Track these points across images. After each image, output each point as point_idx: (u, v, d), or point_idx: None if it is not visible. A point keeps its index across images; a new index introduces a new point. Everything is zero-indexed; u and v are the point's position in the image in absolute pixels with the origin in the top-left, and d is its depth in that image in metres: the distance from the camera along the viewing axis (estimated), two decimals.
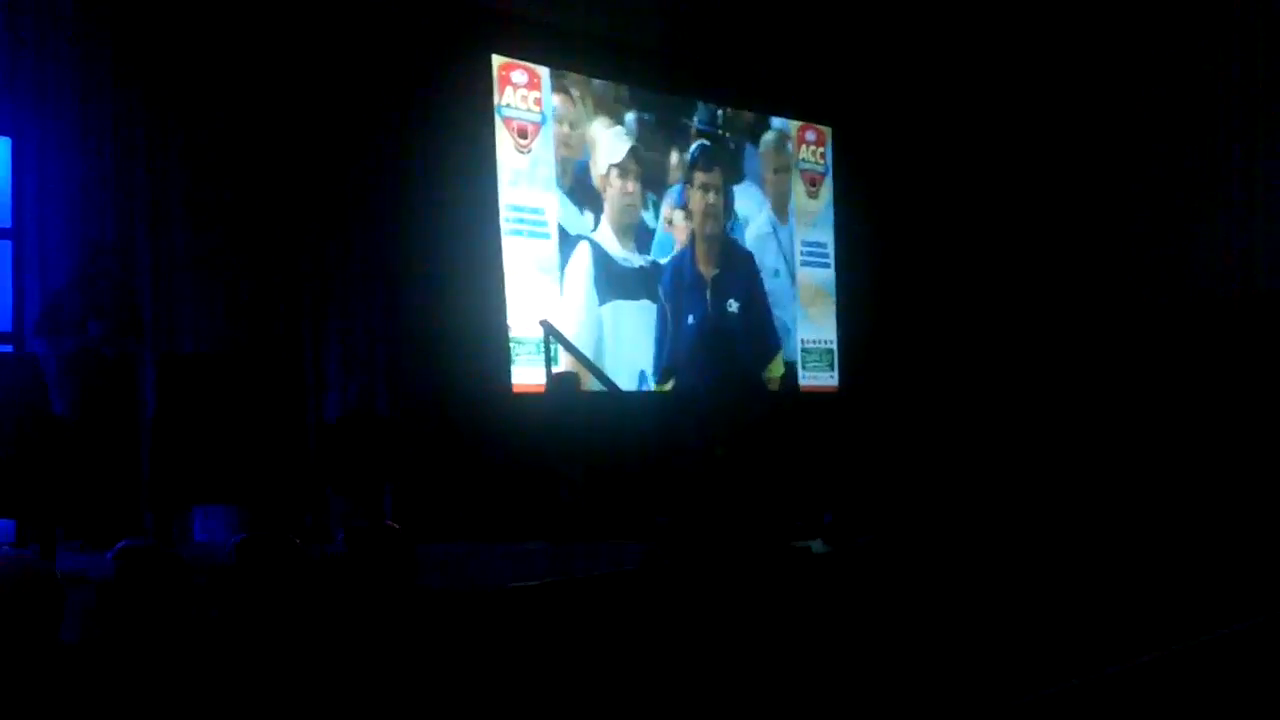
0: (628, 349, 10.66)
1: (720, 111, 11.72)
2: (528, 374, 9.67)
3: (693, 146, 11.32)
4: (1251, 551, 8.06)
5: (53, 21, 7.96)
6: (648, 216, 10.95)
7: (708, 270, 11.29)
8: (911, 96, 12.41)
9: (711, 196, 11.37)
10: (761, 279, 11.78)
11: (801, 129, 12.28)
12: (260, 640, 3.96)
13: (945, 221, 12.43)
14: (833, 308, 12.38)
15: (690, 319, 11.01)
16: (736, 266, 11.57)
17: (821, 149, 12.45)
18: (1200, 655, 6.10)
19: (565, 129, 10.43)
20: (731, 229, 11.66)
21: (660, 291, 10.90)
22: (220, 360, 8.04)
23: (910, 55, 12.27)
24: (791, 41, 11.73)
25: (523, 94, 10.05)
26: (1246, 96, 11.40)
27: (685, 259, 11.13)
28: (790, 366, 11.84)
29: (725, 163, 11.59)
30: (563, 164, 10.35)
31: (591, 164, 10.59)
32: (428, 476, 9.03)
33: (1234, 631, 6.50)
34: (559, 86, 10.40)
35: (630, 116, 10.96)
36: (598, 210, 10.58)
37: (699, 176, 11.29)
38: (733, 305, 11.38)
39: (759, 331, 11.64)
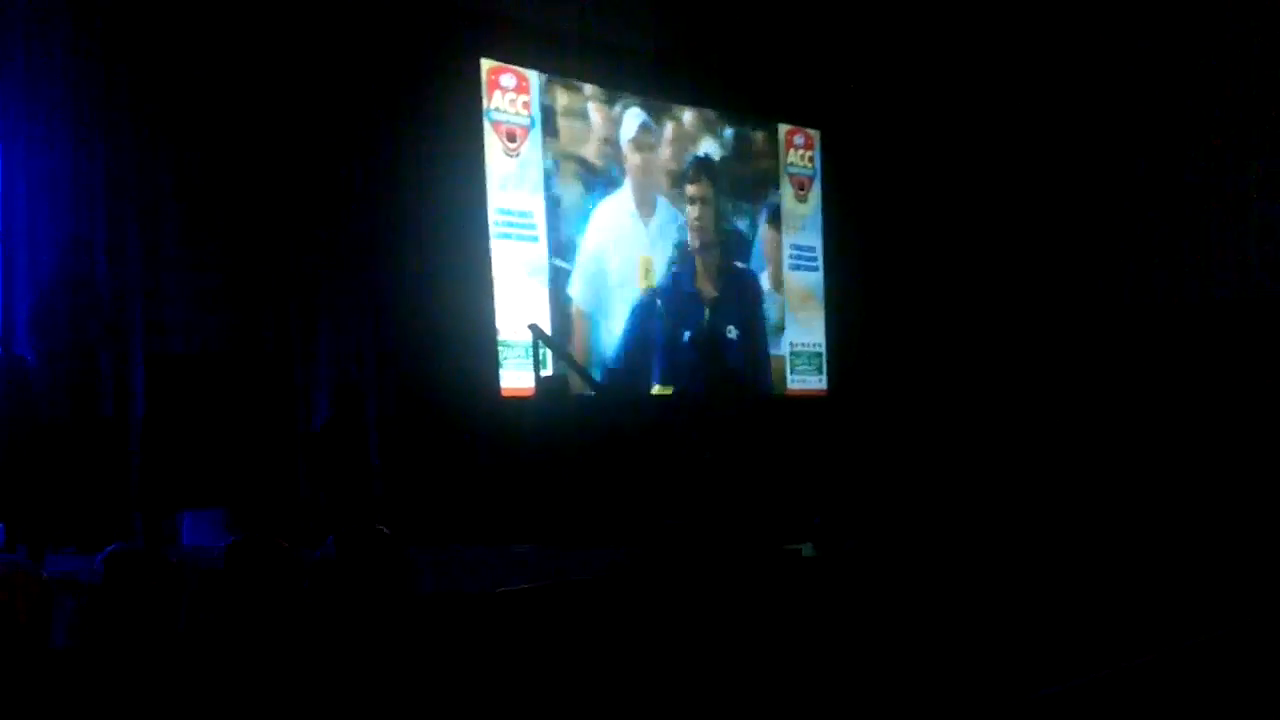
0: None
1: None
2: (516, 377, 9.67)
3: (687, 157, 11.29)
4: (1245, 555, 8.07)
5: (41, 23, 7.94)
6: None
7: (707, 290, 11.29)
8: (900, 99, 12.42)
9: (698, 210, 11.29)
10: (763, 308, 11.80)
11: (790, 133, 12.29)
12: (250, 645, 3.95)
13: (934, 225, 12.45)
14: (821, 311, 12.39)
15: (686, 336, 10.97)
16: (736, 289, 11.59)
17: (810, 152, 12.47)
18: (1189, 660, 6.11)
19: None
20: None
21: (660, 305, 10.92)
22: (210, 362, 8.03)
23: (899, 58, 12.29)
24: (780, 45, 11.74)
25: (511, 98, 10.05)
26: (1240, 99, 11.42)
27: (683, 276, 11.13)
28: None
29: (719, 175, 11.58)
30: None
31: None
32: (417, 480, 9.03)
33: (1222, 636, 6.51)
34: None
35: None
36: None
37: (690, 189, 11.25)
38: (732, 332, 11.35)
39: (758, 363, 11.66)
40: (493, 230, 9.84)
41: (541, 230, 10.16)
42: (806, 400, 12.03)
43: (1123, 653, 6.05)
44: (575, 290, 10.31)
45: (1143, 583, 7.46)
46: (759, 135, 11.98)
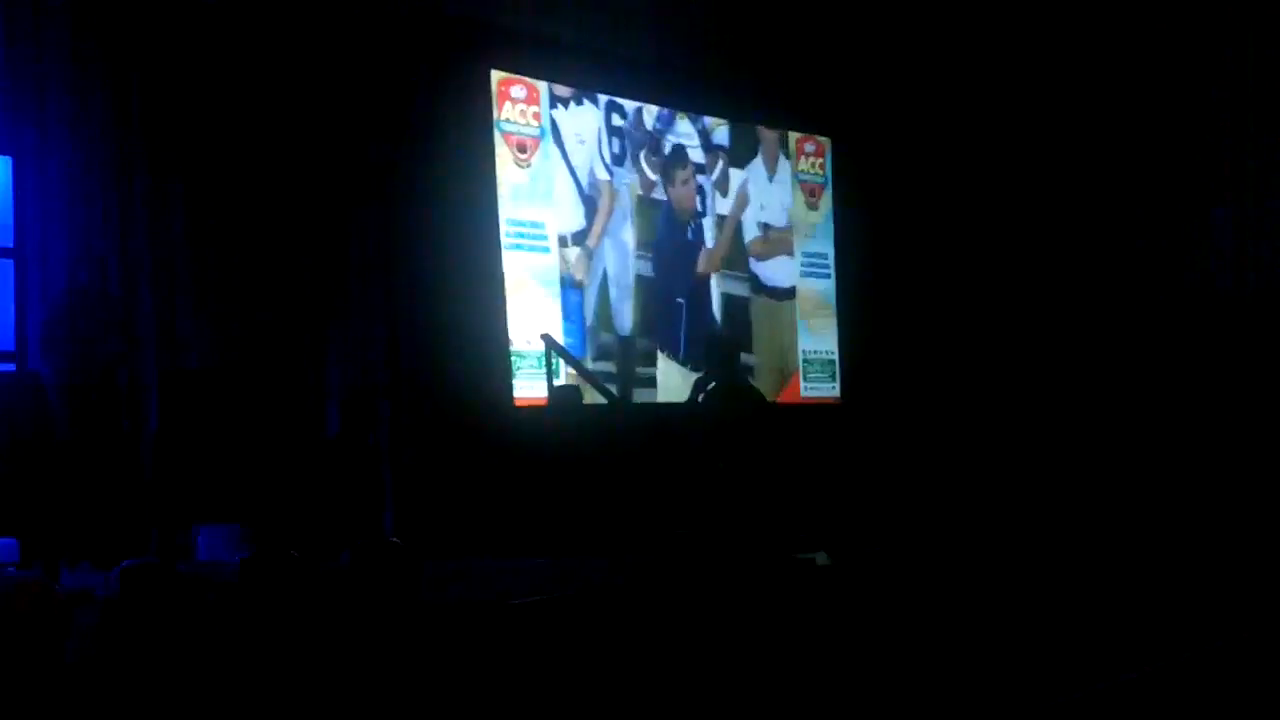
0: None
1: None
2: (529, 387, 9.67)
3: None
4: (1258, 565, 8.03)
5: (51, 41, 7.97)
6: None
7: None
8: (911, 106, 12.41)
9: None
10: None
11: (801, 140, 12.29)
12: (266, 657, 3.96)
13: (946, 231, 12.44)
14: (833, 319, 12.37)
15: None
16: None
17: (821, 160, 12.46)
18: (1206, 665, 6.10)
19: None
20: None
21: None
22: (223, 376, 8.04)
23: (909, 65, 12.29)
24: (790, 53, 11.74)
25: (521, 109, 10.07)
26: (1240, 99, 11.40)
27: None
28: None
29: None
30: None
31: None
32: (430, 491, 9.03)
33: (1237, 642, 6.49)
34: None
35: None
36: None
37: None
38: None
39: None
40: (504, 240, 9.85)
41: (553, 240, 10.17)
42: (819, 408, 12.01)
43: (1141, 659, 6.04)
44: None
45: (1161, 590, 7.43)
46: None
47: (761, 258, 11.88)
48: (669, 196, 11.08)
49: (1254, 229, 11.39)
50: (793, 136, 12.21)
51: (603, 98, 10.74)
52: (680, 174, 11.18)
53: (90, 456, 7.05)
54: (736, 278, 11.66)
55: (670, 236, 11.08)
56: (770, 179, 12.01)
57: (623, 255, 10.73)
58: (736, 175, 11.74)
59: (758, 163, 11.96)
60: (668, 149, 11.13)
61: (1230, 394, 11.01)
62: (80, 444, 7.09)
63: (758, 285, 11.84)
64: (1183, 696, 5.65)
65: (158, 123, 8.34)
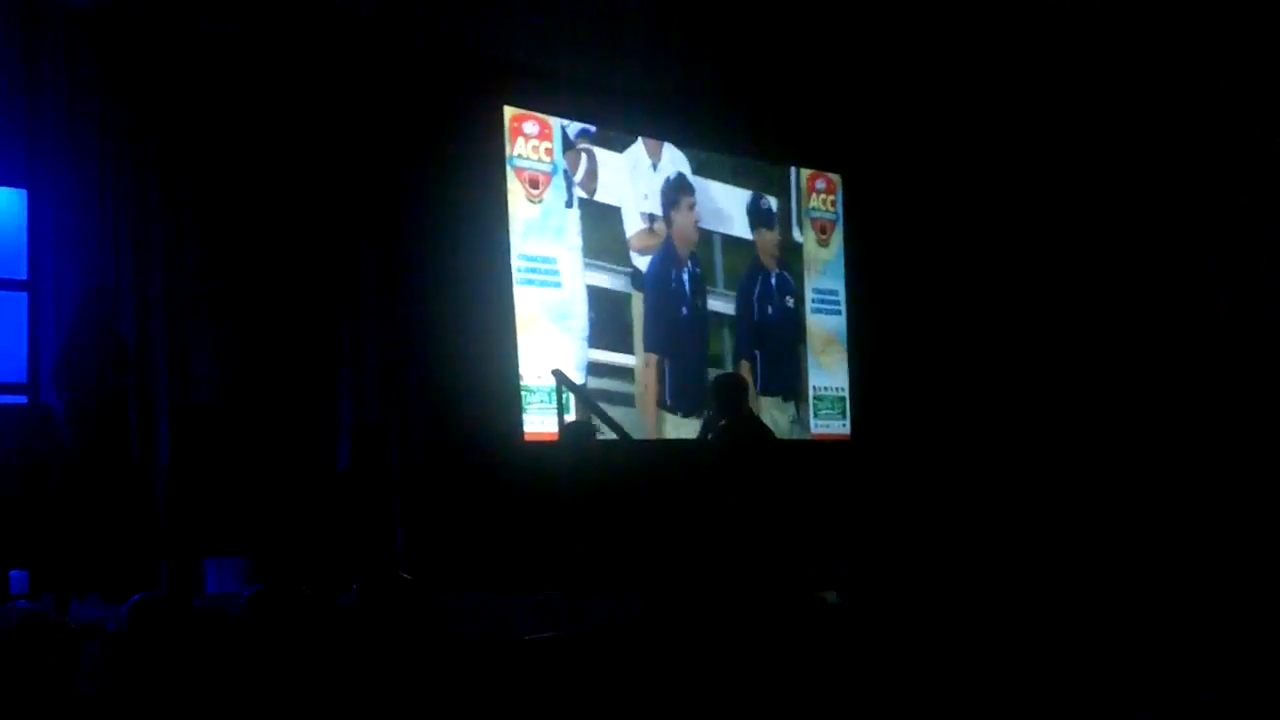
0: None
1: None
2: (539, 422, 9.67)
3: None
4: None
5: (66, 75, 8.02)
6: None
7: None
8: (923, 142, 12.43)
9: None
10: None
11: (812, 177, 12.31)
12: (274, 693, 3.95)
13: (958, 267, 12.44)
14: (844, 355, 12.36)
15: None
16: None
17: (832, 197, 12.48)
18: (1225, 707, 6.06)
19: None
20: None
21: None
22: (234, 410, 8.05)
23: (921, 101, 12.31)
24: (801, 90, 11.78)
25: (534, 144, 10.11)
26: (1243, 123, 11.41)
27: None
28: None
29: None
30: None
31: None
32: (440, 526, 9.02)
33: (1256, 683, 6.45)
34: None
35: None
36: None
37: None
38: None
39: None
40: (516, 276, 9.87)
41: (565, 275, 10.19)
42: (830, 445, 11.99)
43: (1159, 698, 6.01)
44: None
45: (1178, 623, 7.40)
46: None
47: None
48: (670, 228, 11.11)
49: (1252, 270, 11.39)
50: (804, 173, 12.24)
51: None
52: (685, 199, 11.21)
53: (101, 490, 7.05)
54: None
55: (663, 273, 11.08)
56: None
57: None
58: None
59: None
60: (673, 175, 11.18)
61: (1242, 435, 10.97)
62: (91, 477, 7.10)
63: None
64: None
65: (172, 157, 8.39)
